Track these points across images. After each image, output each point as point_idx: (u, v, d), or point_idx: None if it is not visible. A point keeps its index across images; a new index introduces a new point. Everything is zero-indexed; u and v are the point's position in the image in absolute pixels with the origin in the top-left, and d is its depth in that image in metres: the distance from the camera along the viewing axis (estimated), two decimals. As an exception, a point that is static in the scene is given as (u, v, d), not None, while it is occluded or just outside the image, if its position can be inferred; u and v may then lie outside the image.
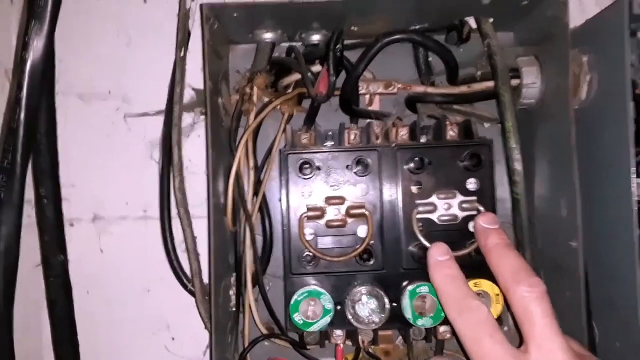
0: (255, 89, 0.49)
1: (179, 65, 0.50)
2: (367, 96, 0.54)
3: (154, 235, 0.58)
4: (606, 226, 0.45)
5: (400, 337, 0.53)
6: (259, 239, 0.51)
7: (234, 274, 0.51)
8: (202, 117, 0.59)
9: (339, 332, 0.48)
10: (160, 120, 0.58)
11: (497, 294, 0.45)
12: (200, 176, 0.57)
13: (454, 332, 0.39)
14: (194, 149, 0.58)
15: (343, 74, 0.50)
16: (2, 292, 0.35)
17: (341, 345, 0.48)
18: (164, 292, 0.58)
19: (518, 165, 0.45)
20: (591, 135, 0.47)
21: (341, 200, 0.46)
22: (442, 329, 0.47)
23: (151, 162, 0.59)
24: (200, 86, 0.57)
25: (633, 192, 0.41)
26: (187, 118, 0.59)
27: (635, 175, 0.41)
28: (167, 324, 0.58)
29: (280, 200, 0.52)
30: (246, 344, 0.49)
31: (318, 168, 0.46)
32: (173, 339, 0.58)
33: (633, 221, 0.41)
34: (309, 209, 0.46)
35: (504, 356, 0.34)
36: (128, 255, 0.59)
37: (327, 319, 0.46)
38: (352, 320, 0.46)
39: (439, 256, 0.41)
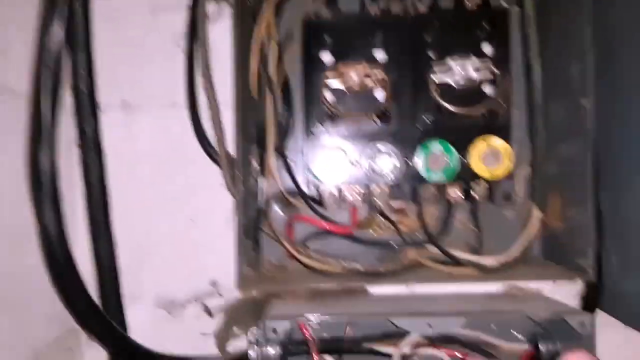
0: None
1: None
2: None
3: (179, 120, 0.61)
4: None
5: (412, 208, 0.56)
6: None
7: (255, 146, 0.54)
8: (226, 4, 0.62)
9: (355, 194, 0.51)
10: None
11: (508, 151, 0.48)
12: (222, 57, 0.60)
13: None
14: (219, 37, 0.60)
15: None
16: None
17: (357, 205, 0.51)
18: (187, 172, 0.61)
19: (533, 32, 0.48)
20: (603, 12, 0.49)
21: (360, 63, 0.48)
22: (452, 192, 0.50)
23: (177, 50, 0.62)
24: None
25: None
26: (211, 8, 0.61)
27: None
28: (191, 201, 0.62)
29: (299, 80, 0.55)
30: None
31: (338, 36, 0.49)
32: (197, 215, 0.62)
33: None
34: (329, 71, 0.48)
35: None
36: (154, 138, 0.62)
37: (345, 172, 0.49)
38: (368, 176, 0.49)
39: None
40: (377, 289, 0.52)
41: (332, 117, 0.49)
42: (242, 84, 0.49)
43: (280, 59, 0.53)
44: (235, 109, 0.48)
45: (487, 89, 0.48)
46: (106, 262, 0.55)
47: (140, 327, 0.60)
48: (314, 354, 0.47)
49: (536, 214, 0.51)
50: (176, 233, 0.62)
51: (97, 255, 0.55)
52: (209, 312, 0.61)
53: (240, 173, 0.47)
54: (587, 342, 0.43)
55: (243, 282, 0.46)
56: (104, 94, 0.60)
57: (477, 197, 0.49)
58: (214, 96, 0.54)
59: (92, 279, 0.56)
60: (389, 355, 0.49)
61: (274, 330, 0.43)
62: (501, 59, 0.48)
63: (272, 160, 0.52)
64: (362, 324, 0.48)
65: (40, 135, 0.40)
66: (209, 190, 0.61)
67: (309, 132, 0.49)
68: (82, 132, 0.53)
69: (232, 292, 0.61)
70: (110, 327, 0.48)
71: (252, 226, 0.50)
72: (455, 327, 0.44)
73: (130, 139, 0.62)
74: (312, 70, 0.49)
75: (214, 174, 0.60)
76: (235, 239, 0.47)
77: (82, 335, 0.61)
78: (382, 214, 0.52)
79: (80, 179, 0.56)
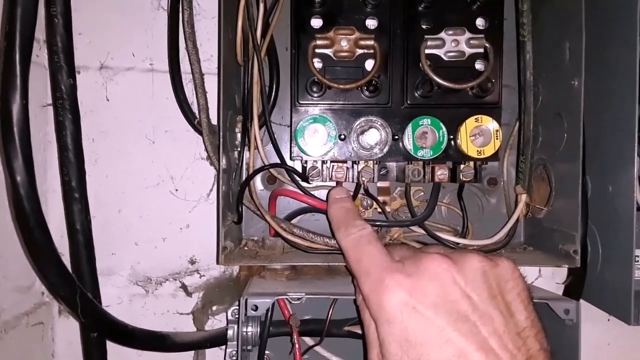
0: None
1: None
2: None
3: (159, 88, 0.58)
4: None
5: (397, 189, 0.54)
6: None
7: (240, 116, 0.52)
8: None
9: (340, 171, 0.49)
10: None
11: (497, 130, 0.47)
12: (208, 22, 0.57)
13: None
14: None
15: None
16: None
17: (342, 181, 0.49)
18: (167, 145, 0.59)
19: (526, 6, 0.46)
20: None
21: (351, 31, 0.46)
22: (439, 172, 0.49)
23: (159, 13, 0.59)
24: None
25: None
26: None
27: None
28: (170, 176, 0.59)
29: (287, 49, 0.52)
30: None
31: (330, 1, 0.46)
32: (177, 190, 0.59)
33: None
34: (318, 38, 0.46)
35: (378, 254, 0.34)
36: (133, 106, 0.59)
37: (331, 145, 0.47)
38: (355, 150, 0.47)
39: (337, 195, 0.43)
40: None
41: (320, 86, 0.47)
42: (227, 48, 0.47)
43: (268, 23, 0.50)
44: (219, 75, 0.46)
45: (479, 65, 0.47)
46: (80, 232, 0.53)
47: (114, 305, 0.58)
48: (294, 335, 0.46)
49: (523, 198, 0.50)
50: (154, 205, 0.60)
51: (70, 225, 0.52)
52: (186, 291, 0.59)
53: (222, 143, 0.45)
54: (571, 331, 0.42)
55: (224, 257, 0.44)
56: (81, 55, 0.58)
57: (463, 178, 0.48)
58: (197, 61, 0.51)
59: (66, 250, 0.54)
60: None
61: (255, 308, 0.41)
62: (494, 35, 0.47)
63: (256, 130, 0.50)
64: (343, 305, 0.47)
65: (11, 86, 0.37)
66: (190, 161, 0.59)
67: (295, 102, 0.47)
68: (56, 90, 0.50)
69: (211, 271, 0.59)
70: (84, 296, 0.46)
71: (236, 198, 0.48)
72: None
73: (108, 104, 0.59)
74: (301, 36, 0.46)
75: (195, 144, 0.58)
76: (217, 212, 0.45)
77: (54, 310, 0.59)
78: (368, 193, 0.50)
79: (55, 143, 0.54)
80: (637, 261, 0.45)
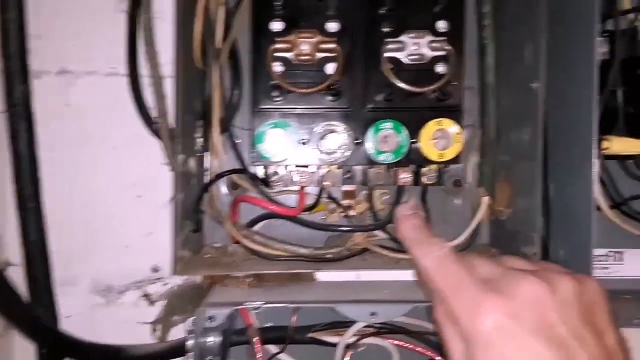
0: None
1: None
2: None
3: (121, 92, 0.57)
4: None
5: (363, 192, 0.54)
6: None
7: (200, 121, 0.51)
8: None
9: (303, 175, 0.48)
10: (129, -27, 0.56)
11: (458, 133, 0.47)
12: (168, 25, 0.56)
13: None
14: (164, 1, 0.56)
15: None
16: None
17: (305, 186, 0.49)
18: (130, 150, 0.58)
19: (488, 8, 0.46)
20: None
21: (312, 34, 0.46)
22: (402, 175, 0.49)
23: (120, 16, 0.57)
24: None
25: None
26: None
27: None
28: (132, 182, 0.58)
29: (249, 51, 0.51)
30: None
31: (290, 3, 0.46)
32: (140, 196, 0.58)
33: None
34: (277, 41, 0.45)
35: (466, 274, 0.32)
36: (95, 111, 0.58)
37: (291, 150, 0.46)
38: (317, 155, 0.46)
39: (406, 211, 0.39)
40: (324, 275, 0.50)
41: (281, 91, 0.46)
42: (184, 52, 0.46)
43: (228, 26, 0.49)
44: (175, 79, 0.45)
45: (440, 68, 0.46)
46: (35, 243, 0.51)
47: (74, 315, 0.56)
48: (255, 344, 0.45)
49: (485, 200, 0.50)
50: (115, 212, 0.58)
51: (24, 235, 0.50)
52: (149, 300, 0.57)
53: (180, 148, 0.44)
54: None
55: (179, 266, 0.43)
56: (39, 59, 0.56)
57: (426, 181, 0.48)
58: (156, 65, 0.50)
59: (19, 262, 0.52)
60: (333, 345, 0.48)
61: (211, 318, 0.40)
62: (455, 38, 0.46)
63: (217, 136, 0.49)
64: (307, 312, 0.47)
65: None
66: (153, 166, 0.58)
67: (256, 106, 0.46)
68: (9, 97, 0.48)
69: (175, 279, 0.58)
70: (34, 317, 0.44)
71: (192, 206, 0.47)
72: (401, 315, 0.43)
73: (66, 109, 0.58)
74: (261, 39, 0.46)
75: (158, 149, 0.57)
76: (171, 219, 0.44)
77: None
78: (331, 197, 0.50)
79: (8, 149, 0.52)
80: (596, 261, 0.45)
